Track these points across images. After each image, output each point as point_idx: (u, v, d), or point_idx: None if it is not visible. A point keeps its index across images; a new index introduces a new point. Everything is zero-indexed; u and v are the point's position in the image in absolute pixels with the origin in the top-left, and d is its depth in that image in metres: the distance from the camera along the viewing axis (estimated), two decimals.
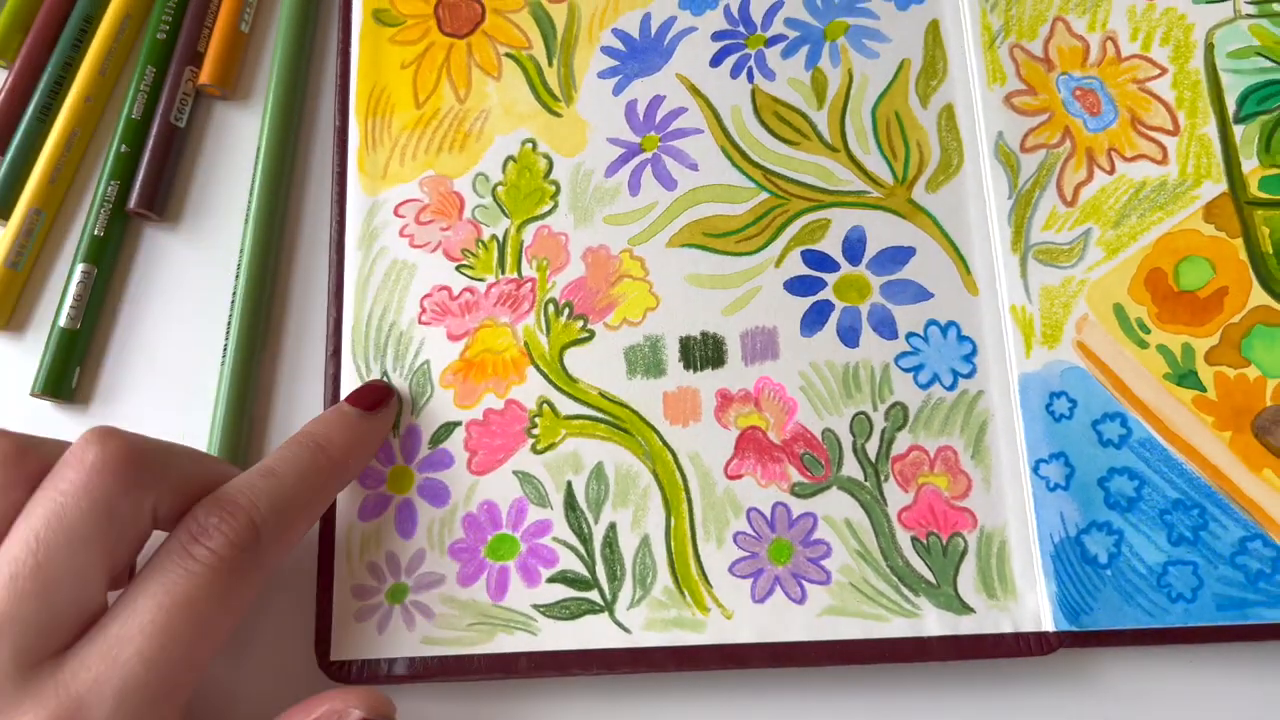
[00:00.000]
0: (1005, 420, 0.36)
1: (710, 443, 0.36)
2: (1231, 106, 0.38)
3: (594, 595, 0.35)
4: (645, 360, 0.37)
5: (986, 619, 0.34)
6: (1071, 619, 0.33)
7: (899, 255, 0.37)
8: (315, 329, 0.39)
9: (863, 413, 0.36)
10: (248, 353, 0.38)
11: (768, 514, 0.35)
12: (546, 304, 0.37)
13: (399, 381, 0.37)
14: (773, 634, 0.34)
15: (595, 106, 0.40)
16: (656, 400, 0.36)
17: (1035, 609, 0.34)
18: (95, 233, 0.40)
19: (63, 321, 0.39)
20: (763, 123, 0.39)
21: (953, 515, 0.35)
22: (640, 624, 0.34)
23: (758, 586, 0.34)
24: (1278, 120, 0.37)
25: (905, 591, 0.34)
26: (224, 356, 0.38)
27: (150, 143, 0.41)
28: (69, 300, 0.39)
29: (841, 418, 0.36)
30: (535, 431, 0.36)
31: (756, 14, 0.40)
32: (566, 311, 0.37)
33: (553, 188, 0.39)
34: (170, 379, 0.39)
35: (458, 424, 0.36)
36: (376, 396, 0.36)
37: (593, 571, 0.35)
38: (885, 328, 0.37)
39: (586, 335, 0.37)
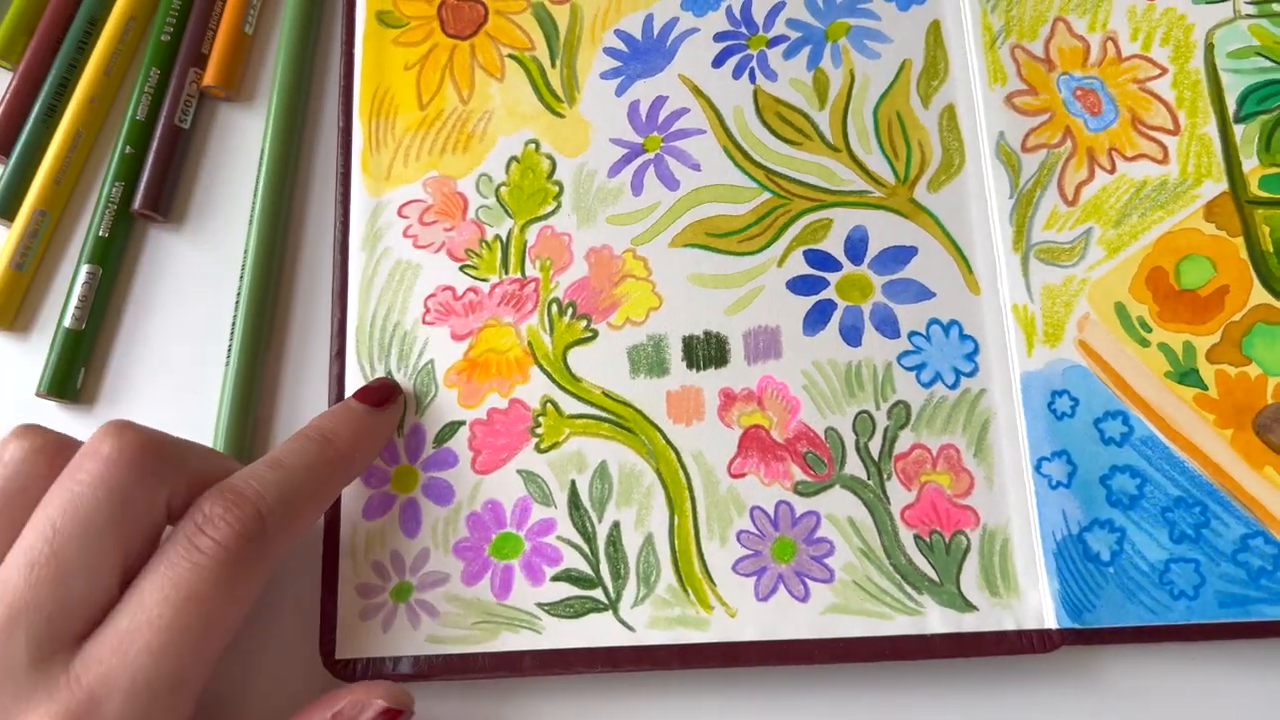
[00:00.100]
0: (1007, 419, 0.36)
1: (713, 441, 0.36)
2: (1232, 106, 0.38)
3: (598, 594, 0.35)
4: (648, 359, 0.37)
5: (989, 617, 0.34)
6: (1074, 616, 0.33)
7: (901, 255, 0.37)
8: (319, 329, 0.39)
9: (865, 411, 0.36)
10: (252, 353, 0.38)
11: (771, 512, 0.35)
12: (550, 304, 0.38)
13: (403, 381, 0.37)
14: (776, 632, 0.34)
15: (598, 107, 0.40)
16: (660, 399, 0.36)
17: (1038, 606, 0.34)
18: (100, 234, 0.40)
19: (68, 322, 0.39)
20: (765, 123, 0.39)
21: (955, 513, 0.35)
22: (644, 622, 0.34)
23: (761, 585, 0.34)
24: (1278, 120, 0.37)
25: (908, 589, 0.34)
26: (228, 357, 0.38)
27: (155, 144, 0.41)
28: (74, 301, 0.39)
29: (844, 416, 0.36)
30: (539, 431, 0.36)
31: (758, 15, 0.41)
32: (570, 311, 0.37)
33: (556, 188, 0.39)
34: (175, 379, 0.39)
35: (462, 423, 0.37)
36: (384, 394, 0.36)
37: (597, 570, 0.35)
38: (887, 327, 0.37)
39: (590, 335, 0.37)
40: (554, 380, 0.37)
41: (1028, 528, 0.35)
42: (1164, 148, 0.38)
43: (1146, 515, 0.34)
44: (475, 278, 0.38)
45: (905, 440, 0.36)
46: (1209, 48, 0.38)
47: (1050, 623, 0.34)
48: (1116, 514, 0.34)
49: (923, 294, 0.37)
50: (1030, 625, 0.34)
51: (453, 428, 0.37)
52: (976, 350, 0.36)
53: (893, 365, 0.36)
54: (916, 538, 0.35)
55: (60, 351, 0.39)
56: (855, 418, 0.36)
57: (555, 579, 0.35)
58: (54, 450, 0.30)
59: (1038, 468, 0.35)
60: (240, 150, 0.42)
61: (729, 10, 0.41)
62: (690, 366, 0.37)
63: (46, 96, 0.42)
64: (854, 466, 0.36)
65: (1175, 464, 0.35)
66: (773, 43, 0.40)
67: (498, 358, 0.37)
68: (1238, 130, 0.37)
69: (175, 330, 0.40)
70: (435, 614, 0.35)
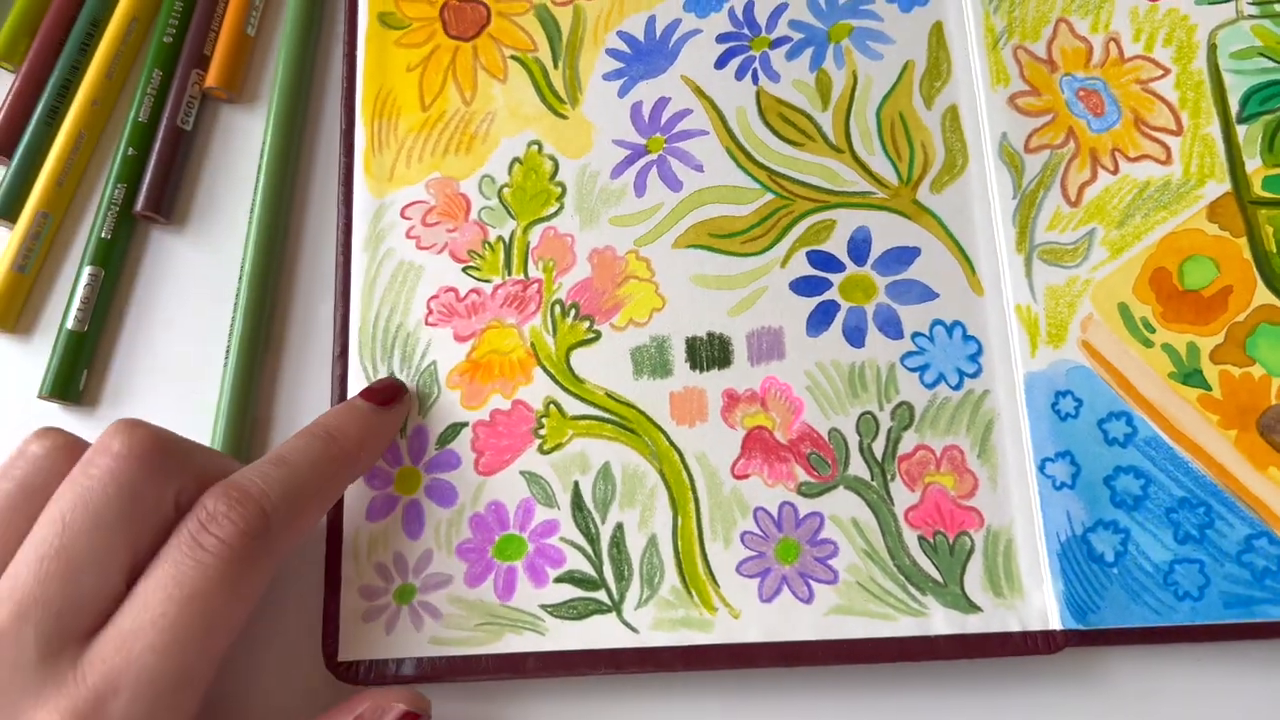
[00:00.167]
0: (1011, 419, 0.36)
1: (717, 442, 0.36)
2: (1234, 107, 0.38)
3: (601, 595, 0.35)
4: (651, 360, 0.37)
5: (993, 618, 0.34)
6: (1078, 617, 0.33)
7: (904, 255, 0.37)
8: (322, 330, 0.39)
9: (869, 412, 0.36)
10: (250, 354, 0.38)
11: (775, 513, 0.35)
12: (553, 305, 0.38)
13: (406, 382, 0.37)
14: (780, 633, 0.34)
15: (601, 108, 0.40)
16: (663, 400, 0.36)
17: (1042, 607, 0.34)
18: (102, 235, 0.40)
19: (70, 324, 0.39)
20: (767, 124, 0.39)
21: (959, 514, 0.35)
22: (648, 624, 0.34)
23: (765, 586, 0.34)
24: None
25: (912, 590, 0.34)
26: (226, 358, 0.38)
27: (157, 146, 0.41)
28: (76, 303, 0.39)
29: (848, 417, 0.36)
30: (542, 432, 0.36)
31: (761, 16, 0.41)
32: (573, 312, 0.37)
33: (559, 189, 0.39)
34: (177, 381, 0.39)
35: (465, 425, 0.37)
36: (390, 393, 0.36)
37: (600, 571, 0.35)
38: (891, 328, 0.37)
39: (593, 336, 0.37)
40: (557, 381, 0.37)
41: (1032, 529, 0.35)
42: (1167, 148, 0.38)
43: (1151, 516, 0.34)
44: (478, 279, 0.38)
45: (909, 441, 0.36)
46: (1211, 48, 0.38)
47: (1054, 624, 0.34)
48: (1121, 515, 0.34)
49: (926, 295, 0.37)
50: (1034, 626, 0.34)
51: (456, 429, 0.36)
52: (980, 351, 0.36)
53: (896, 366, 0.36)
54: (920, 539, 0.35)
55: (62, 353, 0.39)
56: (859, 419, 0.36)
57: (558, 580, 0.35)
58: (73, 449, 0.31)
59: (1041, 468, 0.35)
60: (242, 152, 0.42)
61: (731, 11, 0.41)
62: (693, 367, 0.37)
63: (49, 98, 0.42)
64: (858, 467, 0.35)
65: (1179, 465, 0.35)
66: (775, 44, 0.40)
67: (500, 359, 0.37)
68: (1240, 131, 0.37)
69: (178, 332, 0.40)
70: (438, 616, 0.35)
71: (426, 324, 0.38)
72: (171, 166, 0.41)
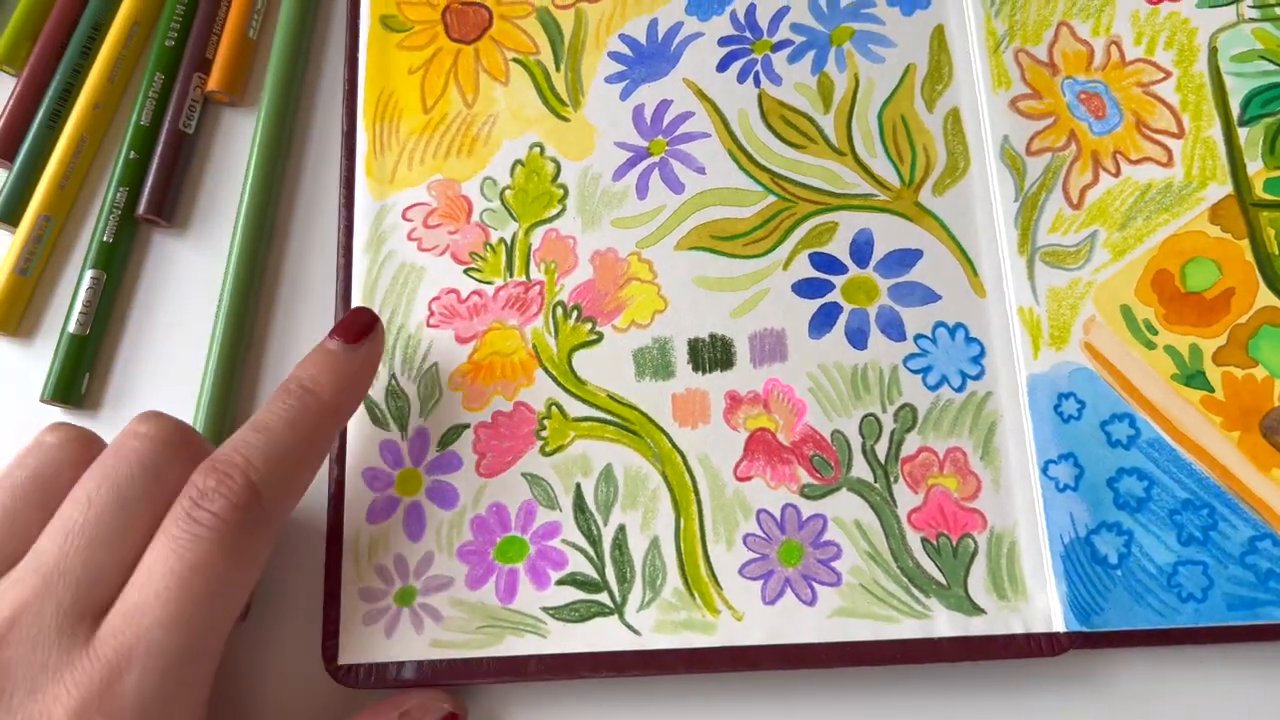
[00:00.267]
0: (1014, 421, 0.36)
1: (719, 444, 0.36)
2: (1236, 109, 0.38)
3: (603, 597, 0.34)
4: (654, 362, 0.37)
5: (997, 620, 0.34)
6: (1082, 619, 0.33)
7: (906, 258, 0.37)
8: (324, 332, 0.39)
9: (872, 414, 0.36)
10: (231, 356, 0.39)
11: (777, 515, 0.35)
12: (555, 306, 0.38)
13: (407, 384, 0.37)
14: (783, 636, 0.34)
15: (603, 111, 0.40)
16: (665, 402, 0.36)
17: (1046, 610, 0.34)
18: (104, 239, 0.40)
19: (72, 327, 0.39)
20: (769, 127, 0.39)
21: (962, 516, 0.35)
22: (650, 626, 0.34)
23: (768, 588, 0.34)
24: None
25: (916, 593, 0.34)
26: (208, 356, 0.39)
27: (159, 149, 0.41)
28: (78, 306, 0.39)
29: (850, 419, 0.36)
30: (544, 434, 0.36)
31: (763, 19, 0.41)
32: (575, 314, 0.37)
33: (561, 191, 0.39)
34: (179, 384, 0.39)
35: (466, 426, 0.36)
36: (361, 326, 0.34)
37: (602, 573, 0.35)
38: (893, 329, 0.37)
39: (595, 337, 0.37)
40: (559, 383, 0.37)
41: (1035, 531, 0.35)
42: (1168, 151, 0.38)
43: (1154, 518, 0.34)
44: (480, 281, 0.38)
45: (912, 443, 0.36)
46: (1213, 51, 0.38)
47: (1058, 626, 0.33)
48: (1124, 517, 0.34)
49: (928, 297, 0.37)
50: (1038, 628, 0.34)
51: (457, 431, 0.36)
52: (982, 353, 0.36)
53: (899, 368, 0.36)
54: (923, 541, 0.35)
55: (64, 357, 0.39)
56: (861, 420, 0.36)
57: (560, 583, 0.35)
58: (86, 442, 0.32)
59: (1044, 470, 0.35)
60: (244, 155, 0.42)
61: (733, 15, 0.41)
62: (696, 369, 0.37)
63: (51, 102, 0.42)
64: (860, 469, 0.35)
65: (1182, 466, 0.35)
66: (777, 47, 0.40)
67: (502, 360, 0.37)
68: (1242, 133, 0.37)
69: (179, 335, 0.40)
70: (439, 618, 0.34)
71: (428, 326, 0.38)
72: (173, 170, 0.41)
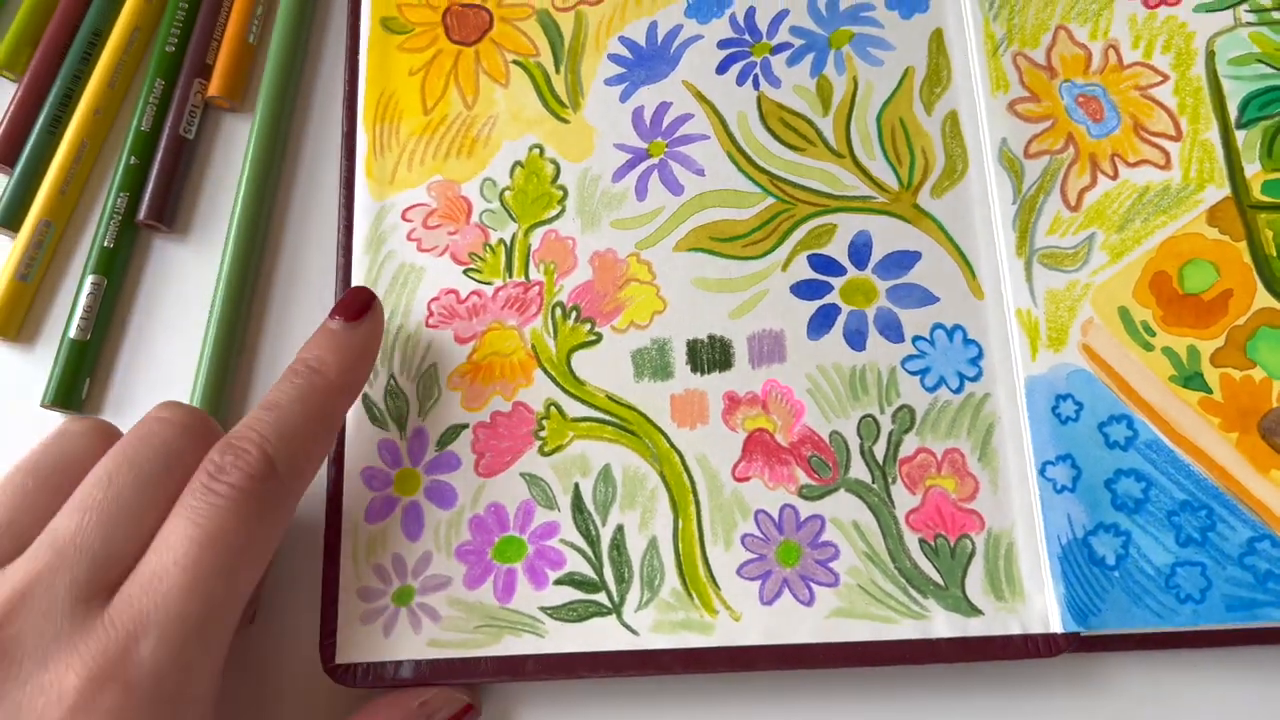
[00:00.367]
0: (1012, 423, 0.36)
1: (717, 445, 0.36)
2: (1233, 112, 0.38)
3: (601, 597, 0.34)
4: (652, 363, 0.37)
5: (995, 621, 0.34)
6: (1080, 620, 0.33)
7: (905, 260, 0.37)
8: None
9: (870, 415, 0.36)
10: (224, 355, 0.39)
11: (775, 516, 0.35)
12: (554, 307, 0.38)
13: (406, 384, 0.37)
14: (781, 636, 0.34)
15: (602, 113, 0.40)
16: (664, 403, 0.36)
17: (1043, 611, 0.34)
18: (105, 244, 0.40)
19: (73, 333, 0.39)
20: (768, 129, 0.39)
21: (960, 517, 0.35)
22: (648, 626, 0.34)
23: (766, 588, 0.34)
24: (1279, 125, 0.37)
25: (913, 593, 0.34)
26: (199, 358, 0.39)
27: (159, 154, 0.42)
28: (79, 311, 0.39)
29: (849, 420, 0.36)
30: (542, 434, 0.36)
31: (762, 22, 0.41)
32: (574, 315, 0.37)
33: (560, 192, 0.39)
34: (180, 389, 0.39)
35: (465, 426, 0.36)
36: (360, 305, 0.35)
37: (600, 573, 0.35)
38: (891, 331, 0.37)
39: (594, 338, 0.37)
40: (558, 383, 0.37)
41: (1032, 532, 0.35)
42: (1166, 153, 0.38)
43: (1152, 519, 0.34)
44: (479, 281, 0.38)
45: (910, 444, 0.36)
46: (1210, 55, 0.39)
47: (1055, 627, 0.33)
48: (1122, 518, 0.34)
49: (926, 299, 0.37)
50: (1035, 629, 0.33)
51: (456, 431, 0.36)
52: (980, 355, 0.36)
53: (897, 369, 0.36)
54: (921, 542, 0.35)
55: (65, 362, 0.39)
56: (860, 422, 0.36)
57: (558, 582, 0.35)
58: (108, 433, 0.33)
59: (1042, 472, 0.35)
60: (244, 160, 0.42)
61: (733, 18, 0.41)
62: (694, 370, 0.37)
63: (51, 107, 0.42)
64: (859, 470, 0.35)
65: (1180, 468, 0.35)
66: (776, 50, 0.40)
67: (501, 361, 0.37)
68: (1240, 136, 0.38)
69: (180, 341, 0.40)
70: (437, 618, 0.34)
71: (427, 326, 0.38)
72: (174, 175, 0.41)
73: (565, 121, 0.40)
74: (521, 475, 0.36)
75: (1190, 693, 0.34)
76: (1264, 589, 0.33)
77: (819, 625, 0.34)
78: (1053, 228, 0.37)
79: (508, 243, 0.39)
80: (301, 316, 0.40)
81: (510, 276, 0.38)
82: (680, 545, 0.35)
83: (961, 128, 0.39)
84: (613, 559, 0.35)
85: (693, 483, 0.35)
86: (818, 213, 0.38)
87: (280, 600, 0.36)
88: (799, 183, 0.39)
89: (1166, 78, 0.39)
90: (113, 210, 0.41)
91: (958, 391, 0.36)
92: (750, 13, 0.41)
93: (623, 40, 0.41)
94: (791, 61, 0.40)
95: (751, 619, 0.34)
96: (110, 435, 0.32)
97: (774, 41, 0.41)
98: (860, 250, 0.38)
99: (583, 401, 0.37)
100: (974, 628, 0.34)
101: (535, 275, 0.38)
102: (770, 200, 0.38)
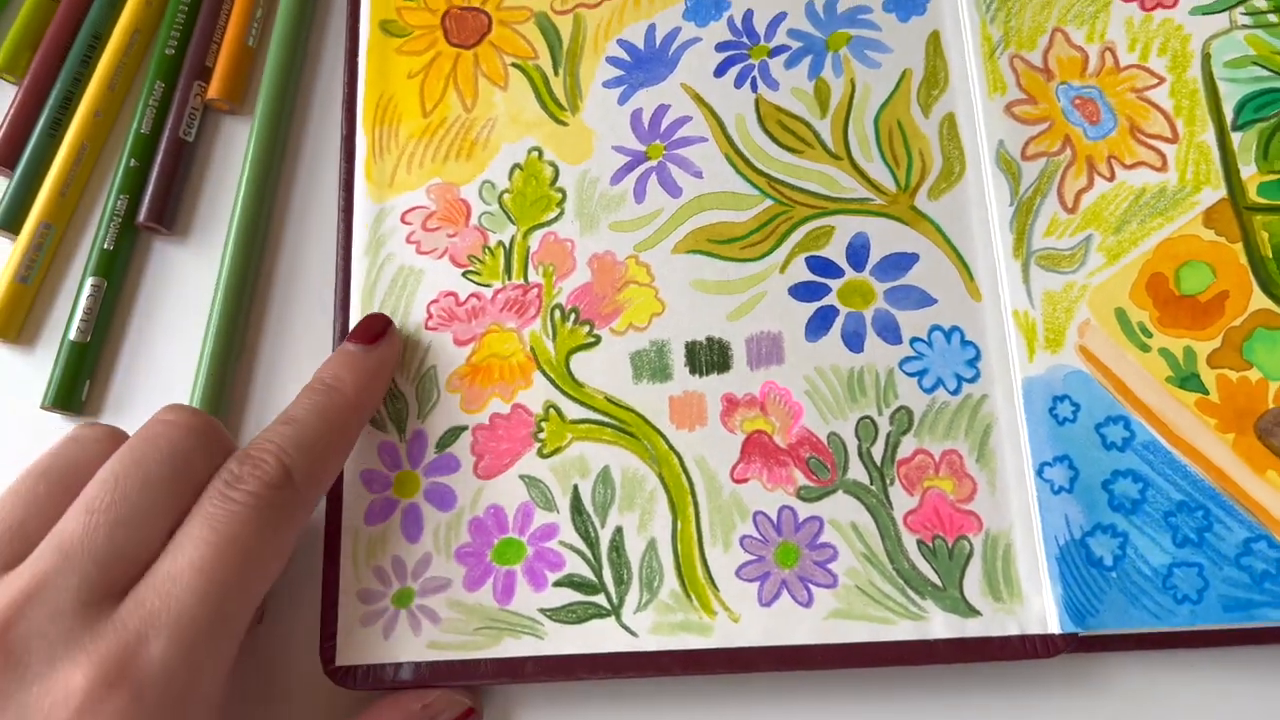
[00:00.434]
0: (1009, 424, 0.36)
1: (716, 447, 0.36)
2: (1229, 114, 0.38)
3: (600, 599, 0.35)
4: (651, 365, 0.37)
5: (992, 622, 0.34)
6: (1077, 621, 0.33)
7: (902, 261, 0.38)
8: (323, 334, 0.39)
9: (868, 417, 0.36)
10: (222, 359, 0.39)
11: (774, 517, 0.35)
12: (553, 309, 0.38)
13: (405, 386, 0.37)
14: (780, 637, 0.34)
15: (601, 115, 0.40)
16: (662, 404, 0.36)
17: (1041, 611, 0.34)
18: (105, 246, 0.40)
19: (73, 335, 0.39)
20: (766, 131, 0.39)
21: (958, 518, 0.35)
22: (647, 627, 0.34)
23: (764, 590, 0.34)
24: (1275, 127, 0.38)
25: (911, 594, 0.34)
26: (198, 361, 0.39)
27: (159, 157, 0.42)
28: (79, 313, 0.39)
29: (847, 422, 0.36)
30: (541, 436, 0.36)
31: (760, 25, 0.41)
32: (573, 317, 0.38)
33: (559, 195, 0.39)
34: (180, 391, 0.39)
35: (464, 428, 0.37)
36: (376, 329, 0.37)
37: (599, 575, 0.35)
38: (889, 333, 0.37)
39: (593, 340, 0.37)
40: (557, 385, 0.37)
41: (1030, 533, 0.35)
42: (1163, 155, 0.38)
43: (1149, 520, 0.34)
44: (478, 283, 0.38)
45: (908, 445, 0.36)
46: (1206, 57, 0.39)
47: (1053, 628, 0.33)
48: (1119, 519, 0.34)
49: (924, 300, 0.37)
50: (1033, 630, 0.34)
51: (455, 433, 0.37)
52: (978, 356, 0.36)
53: (895, 371, 0.36)
54: (919, 543, 0.35)
55: (65, 364, 0.39)
56: (858, 423, 0.36)
57: (558, 584, 0.35)
58: (118, 438, 0.33)
59: (1040, 473, 0.35)
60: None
61: (730, 21, 0.41)
62: (693, 372, 0.37)
63: (51, 110, 0.43)
64: (857, 472, 0.35)
65: (1177, 468, 0.35)
66: (774, 52, 0.40)
67: (500, 363, 0.37)
68: (1236, 138, 0.38)
69: (180, 343, 0.40)
70: (437, 620, 0.34)
71: (426, 328, 0.38)
72: (174, 178, 0.42)
73: (564, 124, 0.40)
74: (521, 477, 0.36)
75: (1188, 693, 0.35)
76: (1260, 589, 0.33)
77: (817, 626, 0.34)
78: (1050, 229, 0.37)
79: (507, 245, 0.39)
80: (301, 319, 0.40)
81: (509, 279, 0.38)
82: (679, 547, 0.35)
83: (959, 130, 0.39)
84: (612, 561, 0.35)
85: (691, 484, 0.36)
86: (816, 215, 0.38)
87: (281, 602, 0.36)
88: (797, 185, 0.39)
89: (1163, 80, 0.39)
90: (113, 212, 0.41)
91: (955, 393, 0.36)
92: (748, 15, 0.41)
93: (621, 43, 0.41)
94: (789, 64, 0.40)
95: (750, 620, 0.34)
96: (122, 441, 0.32)
97: (772, 44, 0.41)
98: (858, 252, 0.38)
99: (581, 403, 0.37)
100: (972, 628, 0.34)
101: (534, 277, 0.38)
102: (768, 202, 0.39)
